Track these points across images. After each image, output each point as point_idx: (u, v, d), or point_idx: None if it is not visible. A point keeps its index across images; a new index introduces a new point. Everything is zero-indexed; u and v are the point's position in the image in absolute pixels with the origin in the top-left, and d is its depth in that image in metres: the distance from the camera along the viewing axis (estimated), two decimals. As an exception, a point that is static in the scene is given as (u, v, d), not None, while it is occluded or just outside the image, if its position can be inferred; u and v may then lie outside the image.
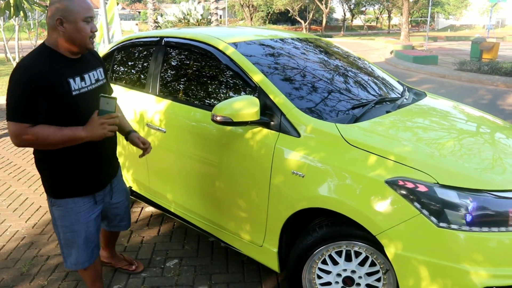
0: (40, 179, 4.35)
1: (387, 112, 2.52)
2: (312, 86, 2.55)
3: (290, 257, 2.28)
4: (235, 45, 2.72)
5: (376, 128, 2.23)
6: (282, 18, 52.29)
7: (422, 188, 1.86)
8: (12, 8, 4.94)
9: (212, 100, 2.69)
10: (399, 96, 2.93)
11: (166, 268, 2.88)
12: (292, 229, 2.40)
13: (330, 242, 2.13)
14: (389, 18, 52.71)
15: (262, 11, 46.89)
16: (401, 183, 1.91)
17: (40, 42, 23.53)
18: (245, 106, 2.22)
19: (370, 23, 64.00)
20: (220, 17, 16.76)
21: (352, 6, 51.03)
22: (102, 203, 2.24)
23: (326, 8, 43.79)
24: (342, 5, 50.22)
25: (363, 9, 54.29)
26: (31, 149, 5.60)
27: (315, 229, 2.17)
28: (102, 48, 7.20)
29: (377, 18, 62.45)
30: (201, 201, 2.78)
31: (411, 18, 43.26)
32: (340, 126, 2.18)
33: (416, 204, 1.86)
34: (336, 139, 2.13)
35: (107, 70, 2.33)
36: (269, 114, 2.34)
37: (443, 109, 2.79)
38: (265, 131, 2.34)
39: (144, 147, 2.33)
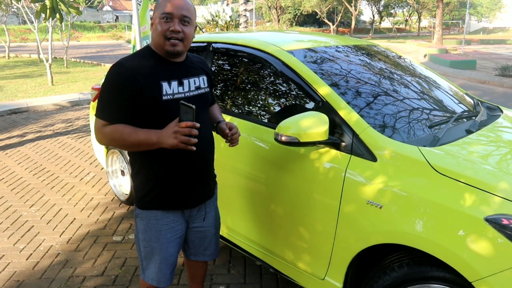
0: (76, 190, 4.24)
1: (468, 131, 2.22)
2: (383, 101, 2.25)
3: (362, 299, 2.00)
4: (294, 52, 2.45)
5: (465, 153, 1.92)
6: (309, 20, 51.84)
7: (534, 230, 1.55)
8: (48, 11, 4.80)
9: (268, 114, 2.43)
10: (474, 111, 2.61)
11: (212, 297, 2.63)
12: (359, 262, 2.12)
13: (411, 284, 1.82)
14: (419, 20, 51.61)
15: (290, 13, 46.57)
16: (505, 222, 1.60)
17: (72, 43, 23.92)
18: (314, 124, 1.95)
19: (399, 25, 62.86)
20: (247, 19, 16.50)
21: (381, 8, 50.15)
22: (187, 225, 2.02)
23: (356, 10, 43.14)
24: (371, 7, 49.44)
25: (392, 11, 53.28)
26: (64, 155, 5.46)
27: (394, 268, 1.87)
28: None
29: (406, 21, 61.31)
30: (252, 224, 2.52)
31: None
32: (424, 150, 1.89)
33: (525, 248, 1.55)
34: (421, 165, 1.83)
35: (213, 80, 2.07)
36: (337, 133, 2.06)
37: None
38: (334, 152, 2.06)
39: (231, 132, 1.95)
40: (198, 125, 1.61)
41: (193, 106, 1.56)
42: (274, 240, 2.40)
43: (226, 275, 2.84)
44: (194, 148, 1.64)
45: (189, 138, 1.61)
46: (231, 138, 1.96)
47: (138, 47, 6.55)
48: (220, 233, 2.75)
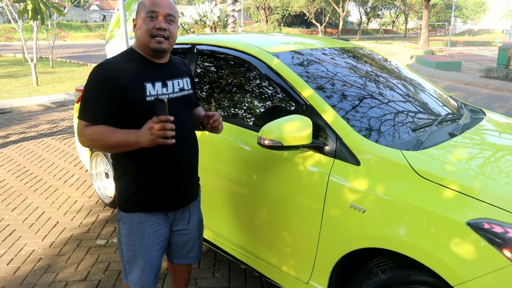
0: (59, 193, 4.18)
1: (451, 134, 2.22)
2: (368, 104, 2.25)
3: (346, 303, 1.99)
4: (278, 55, 2.44)
5: (449, 157, 1.93)
6: (297, 21, 52.01)
7: (514, 234, 1.55)
8: (30, 12, 4.74)
9: (252, 116, 2.41)
10: (458, 114, 2.63)
11: (196, 301, 2.60)
12: (343, 266, 2.11)
13: (395, 288, 1.83)
14: (406, 22, 52.07)
15: (278, 13, 46.64)
16: (486, 226, 1.60)
17: (57, 42, 23.57)
18: (297, 128, 1.94)
19: (386, 26, 63.36)
20: (235, 20, 16.46)
21: (368, 10, 50.50)
22: (171, 228, 2.00)
23: (343, 12, 43.37)
24: (358, 8, 49.76)
25: (380, 12, 53.66)
26: (48, 157, 5.38)
27: (377, 272, 1.87)
28: (119, 46, 6.83)
29: (393, 22, 61.83)
30: (236, 228, 2.50)
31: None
32: (407, 154, 1.89)
33: (506, 252, 1.55)
34: (404, 169, 1.83)
35: (195, 82, 2.07)
36: (321, 137, 2.05)
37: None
38: (317, 156, 2.05)
39: (213, 119, 1.90)
40: (172, 118, 1.58)
41: (165, 99, 1.54)
42: (258, 243, 2.38)
43: (211, 278, 2.82)
44: (174, 141, 1.60)
45: (164, 132, 1.57)
46: (211, 126, 1.92)
47: (117, 43, 6.32)
48: (205, 236, 2.73)
